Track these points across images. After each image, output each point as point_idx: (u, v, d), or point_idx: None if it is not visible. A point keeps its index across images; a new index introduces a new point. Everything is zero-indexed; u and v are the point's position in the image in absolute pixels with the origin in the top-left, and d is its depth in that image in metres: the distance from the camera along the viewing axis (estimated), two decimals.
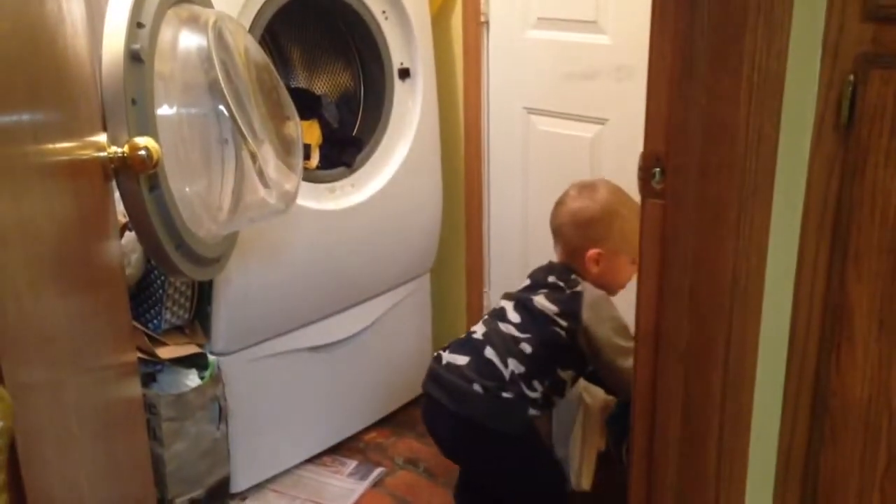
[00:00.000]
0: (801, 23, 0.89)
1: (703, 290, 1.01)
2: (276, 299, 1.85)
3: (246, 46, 1.37)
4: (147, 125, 1.05)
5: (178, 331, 1.80)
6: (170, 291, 1.74)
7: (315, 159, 1.93)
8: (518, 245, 2.24)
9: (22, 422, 0.56)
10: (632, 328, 1.32)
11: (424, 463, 2.06)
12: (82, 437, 0.79)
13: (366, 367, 2.14)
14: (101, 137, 0.97)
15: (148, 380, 1.73)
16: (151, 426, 1.69)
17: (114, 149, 0.97)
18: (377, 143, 2.01)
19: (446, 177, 2.21)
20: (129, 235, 1.60)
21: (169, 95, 1.16)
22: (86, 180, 0.90)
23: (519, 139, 2.16)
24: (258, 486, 1.98)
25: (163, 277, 1.72)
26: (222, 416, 1.81)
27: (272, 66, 1.45)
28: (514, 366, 1.56)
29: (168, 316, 1.76)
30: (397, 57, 2.01)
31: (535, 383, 1.57)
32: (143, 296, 1.77)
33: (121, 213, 1.10)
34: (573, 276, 1.63)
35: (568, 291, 1.61)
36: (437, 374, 1.64)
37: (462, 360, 1.61)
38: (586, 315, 1.56)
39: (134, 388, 1.15)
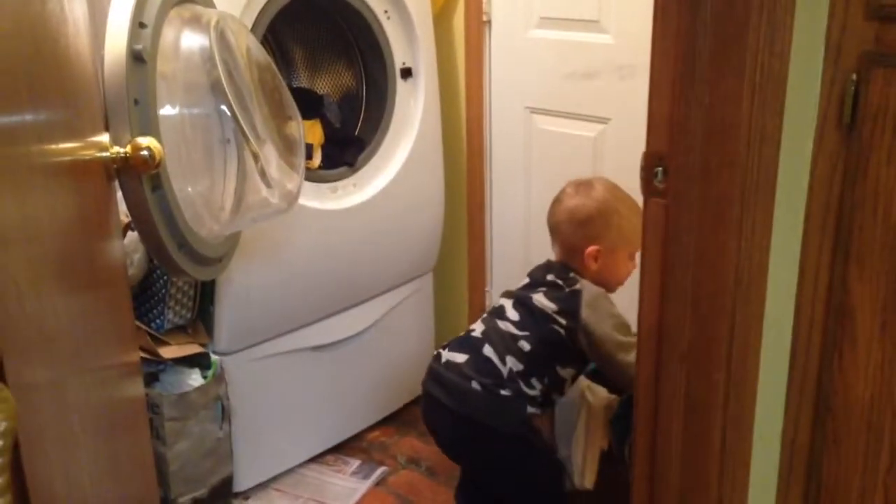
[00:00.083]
0: (803, 22, 0.89)
1: (705, 290, 1.01)
2: (279, 299, 1.86)
3: (248, 46, 1.37)
4: (149, 125, 1.05)
5: (181, 330, 1.81)
6: (172, 291, 1.74)
7: (317, 159, 1.93)
8: (520, 244, 2.24)
9: (25, 422, 0.56)
10: (634, 327, 1.32)
11: (427, 462, 2.07)
12: (85, 437, 0.79)
13: (368, 366, 2.15)
14: (104, 137, 0.97)
15: (151, 379, 1.74)
16: (154, 426, 1.69)
17: (116, 149, 0.97)
18: (379, 142, 2.01)
19: (448, 176, 2.21)
20: (132, 235, 1.60)
21: (171, 95, 1.16)
22: (88, 180, 0.90)
23: (521, 138, 2.16)
24: (261, 486, 1.98)
25: (165, 277, 1.72)
26: (225, 415, 1.81)
27: (274, 66, 1.45)
28: (512, 363, 1.57)
29: (171, 316, 1.76)
30: (399, 56, 2.01)
31: (534, 381, 1.57)
32: (145, 295, 1.77)
33: (123, 213, 1.10)
34: (571, 275, 1.63)
35: (567, 290, 1.61)
36: (436, 373, 1.64)
37: (461, 358, 1.61)
38: (585, 313, 1.57)
39: (137, 388, 1.15)
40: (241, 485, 1.92)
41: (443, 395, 1.61)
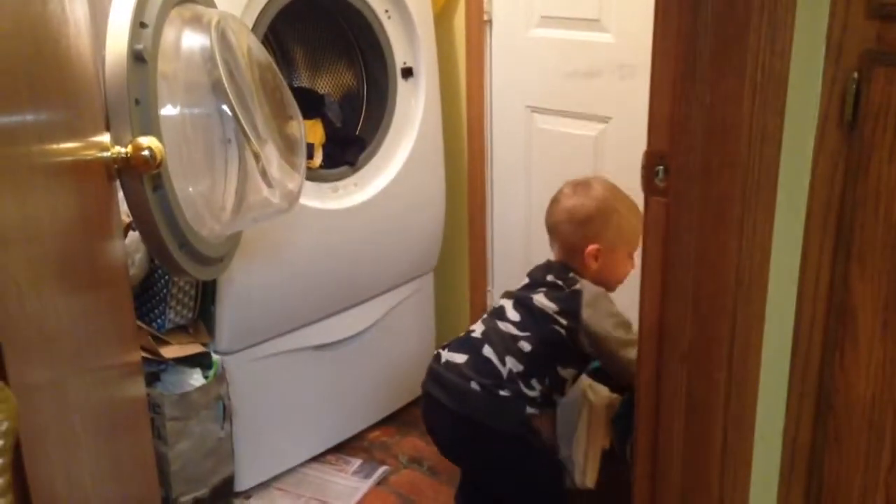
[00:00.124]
0: (804, 21, 0.89)
1: (706, 289, 1.01)
2: (280, 298, 1.86)
3: (249, 46, 1.37)
4: (150, 125, 1.05)
5: (182, 330, 1.81)
6: (173, 291, 1.74)
7: (318, 158, 1.93)
8: (521, 244, 2.24)
9: (26, 422, 0.56)
10: (635, 326, 1.32)
11: (428, 461, 2.07)
12: (86, 436, 0.79)
13: (369, 365, 2.15)
14: (105, 137, 0.97)
15: (152, 379, 1.74)
16: (156, 425, 1.70)
17: (117, 149, 0.97)
18: (380, 142, 2.01)
19: (449, 176, 2.21)
20: (133, 235, 1.60)
21: (172, 95, 1.16)
22: (89, 180, 0.90)
23: (522, 138, 2.16)
24: (262, 485, 1.98)
25: (166, 277, 1.72)
26: (226, 415, 1.81)
27: (275, 66, 1.45)
28: (511, 364, 1.57)
29: (172, 315, 1.76)
30: (400, 56, 2.01)
31: (534, 381, 1.57)
32: (146, 295, 1.77)
33: (124, 213, 1.11)
34: (571, 275, 1.63)
35: (567, 290, 1.61)
36: (436, 373, 1.64)
37: (460, 358, 1.61)
38: (586, 313, 1.57)
39: (138, 388, 1.15)
40: (242, 484, 1.93)
41: (442, 396, 1.61)
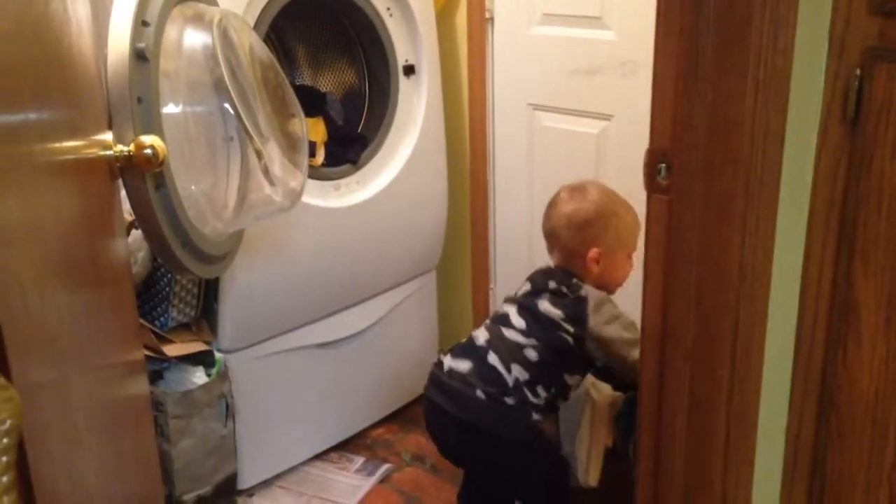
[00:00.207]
0: (806, 18, 0.89)
1: (709, 287, 1.01)
2: (282, 296, 1.86)
3: (251, 44, 1.37)
4: (152, 124, 1.05)
5: (185, 328, 1.81)
6: (176, 289, 1.74)
7: (320, 157, 1.93)
8: (524, 241, 2.24)
9: (30, 420, 0.56)
10: (638, 325, 1.31)
11: (431, 459, 2.07)
12: (89, 435, 0.79)
13: (372, 363, 2.15)
14: (107, 136, 0.97)
15: (155, 377, 1.74)
16: (159, 424, 1.70)
17: (119, 147, 0.97)
18: (382, 140, 2.01)
19: (451, 174, 2.21)
20: (136, 234, 1.60)
21: (174, 94, 1.16)
22: (92, 179, 0.90)
23: (524, 135, 2.16)
24: (265, 483, 1.98)
25: (169, 275, 1.72)
26: (229, 413, 1.82)
27: (277, 64, 1.45)
28: (517, 372, 1.56)
29: (174, 314, 1.76)
30: (402, 54, 2.01)
31: (540, 389, 1.56)
32: (149, 294, 1.77)
33: (127, 212, 1.11)
34: (574, 280, 1.62)
35: (571, 296, 1.60)
36: (438, 380, 1.63)
37: (464, 365, 1.60)
38: (593, 320, 1.56)
39: (141, 386, 1.15)
40: (245, 482, 1.93)
41: (445, 403, 1.60)
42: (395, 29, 1.98)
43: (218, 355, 1.80)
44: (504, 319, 1.64)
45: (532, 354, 1.57)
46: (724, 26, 0.91)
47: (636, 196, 1.39)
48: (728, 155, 0.95)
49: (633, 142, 1.75)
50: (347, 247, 1.96)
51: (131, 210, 1.06)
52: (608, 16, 1.89)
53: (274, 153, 1.32)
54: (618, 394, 1.74)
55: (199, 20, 1.24)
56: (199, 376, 1.77)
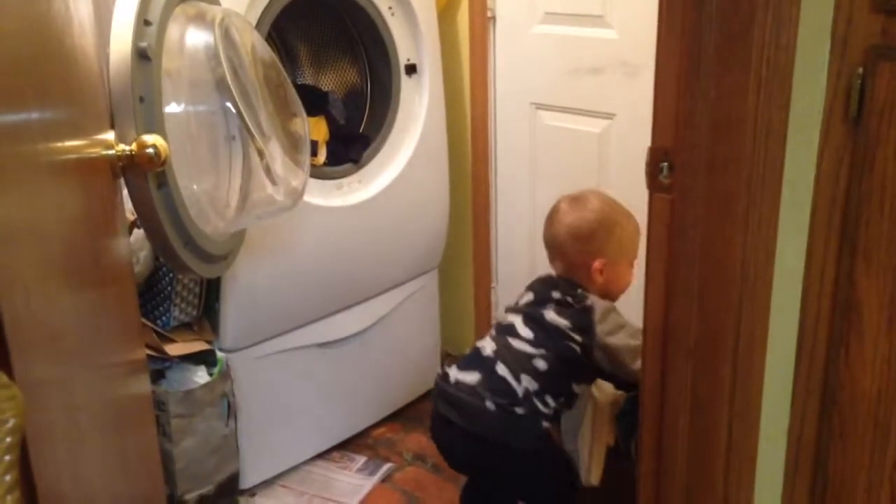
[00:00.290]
0: (809, 16, 0.88)
1: (711, 286, 1.01)
2: (284, 296, 1.86)
3: (253, 43, 1.37)
4: (154, 123, 1.06)
5: (187, 328, 1.81)
6: (178, 288, 1.74)
7: (322, 156, 1.93)
8: (526, 240, 2.24)
9: (33, 419, 0.56)
10: (640, 325, 1.31)
11: (433, 458, 2.07)
12: (92, 434, 0.80)
13: (374, 362, 2.15)
14: (109, 135, 0.98)
15: (157, 377, 1.74)
16: (160, 423, 1.70)
17: (122, 147, 0.97)
18: (384, 139, 2.01)
19: (453, 172, 2.21)
20: (138, 233, 1.60)
21: (176, 93, 1.17)
22: (94, 178, 0.90)
23: (526, 134, 2.16)
24: (267, 482, 1.98)
25: (171, 274, 1.72)
26: (231, 412, 1.82)
27: (279, 63, 1.45)
28: (527, 382, 1.55)
29: (176, 313, 1.77)
30: (404, 53, 2.01)
31: (549, 398, 1.56)
32: (151, 293, 1.77)
33: (129, 211, 1.11)
34: (579, 291, 1.61)
35: (577, 306, 1.59)
36: (446, 392, 1.61)
37: (472, 377, 1.59)
38: (600, 330, 1.55)
39: (143, 385, 1.15)
40: (247, 481, 1.93)
41: (453, 415, 1.58)
42: (396, 28, 1.98)
43: (220, 354, 1.80)
44: (510, 330, 1.62)
45: (541, 364, 1.56)
46: (726, 23, 0.91)
47: (637, 196, 1.39)
48: (730, 153, 0.94)
49: (635, 140, 1.75)
50: (349, 246, 1.96)
51: (133, 209, 1.06)
52: (610, 14, 1.88)
53: (276, 152, 1.32)
54: (619, 392, 1.74)
55: (201, 19, 1.24)
56: (200, 375, 1.77)
